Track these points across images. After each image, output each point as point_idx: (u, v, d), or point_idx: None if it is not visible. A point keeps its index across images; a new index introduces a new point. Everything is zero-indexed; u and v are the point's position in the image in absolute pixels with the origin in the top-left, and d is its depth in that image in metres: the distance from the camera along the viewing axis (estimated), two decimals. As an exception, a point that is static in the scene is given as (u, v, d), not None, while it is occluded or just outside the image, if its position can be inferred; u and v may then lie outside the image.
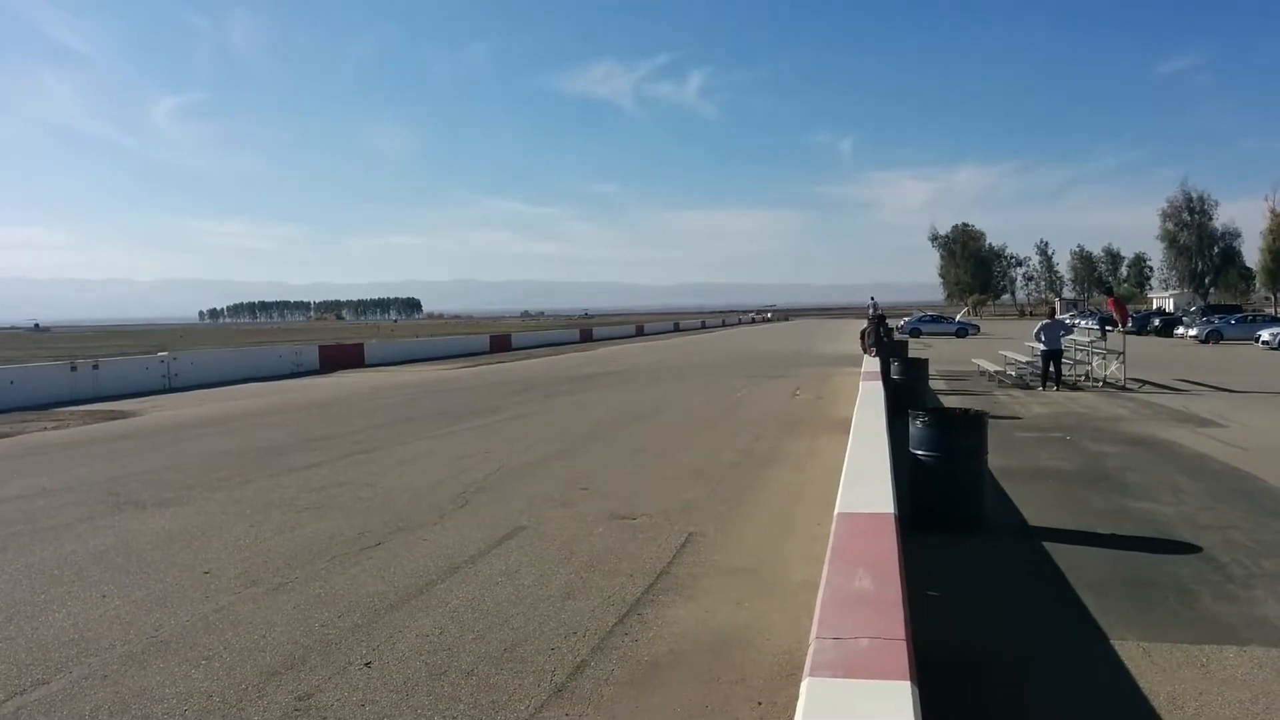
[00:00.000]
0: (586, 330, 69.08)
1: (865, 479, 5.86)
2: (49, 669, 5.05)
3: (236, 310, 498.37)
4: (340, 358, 37.17)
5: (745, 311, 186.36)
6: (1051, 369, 21.05)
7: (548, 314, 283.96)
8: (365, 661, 5.08)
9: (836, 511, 4.98)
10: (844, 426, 13.47)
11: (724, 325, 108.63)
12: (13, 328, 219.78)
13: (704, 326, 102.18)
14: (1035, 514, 8.59)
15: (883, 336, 22.35)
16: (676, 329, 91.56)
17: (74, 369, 25.20)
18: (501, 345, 51.10)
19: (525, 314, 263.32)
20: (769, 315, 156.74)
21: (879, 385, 13.34)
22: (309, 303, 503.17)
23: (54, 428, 17.47)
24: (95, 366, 25.88)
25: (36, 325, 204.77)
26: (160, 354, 30.17)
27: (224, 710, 4.49)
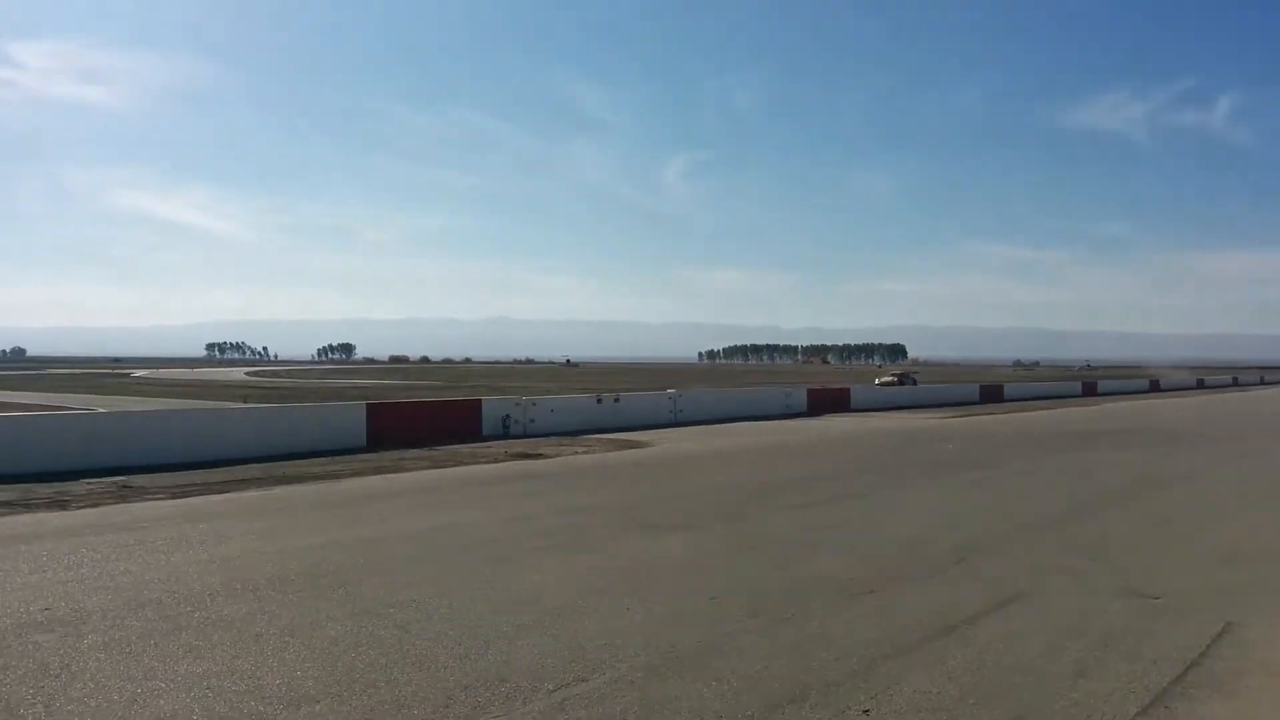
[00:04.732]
0: (1089, 383, 63.46)
1: None
2: (587, 668, 5.75)
3: (730, 352, 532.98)
4: (827, 401, 38.08)
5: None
6: None
7: (1042, 364, 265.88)
8: (864, 709, 5.11)
9: None
10: None
11: (1262, 383, 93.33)
12: (549, 362, 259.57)
13: (1236, 383, 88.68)
14: None
15: None
16: (1200, 385, 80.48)
17: (599, 401, 28.72)
18: (992, 396, 48.83)
19: (1018, 363, 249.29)
20: None
21: None
22: (797, 346, 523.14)
23: (584, 452, 20.02)
24: (616, 400, 29.25)
25: (568, 361, 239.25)
26: (668, 391, 33.27)
27: (733, 732, 4.78)
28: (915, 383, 55.48)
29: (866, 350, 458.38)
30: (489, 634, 6.42)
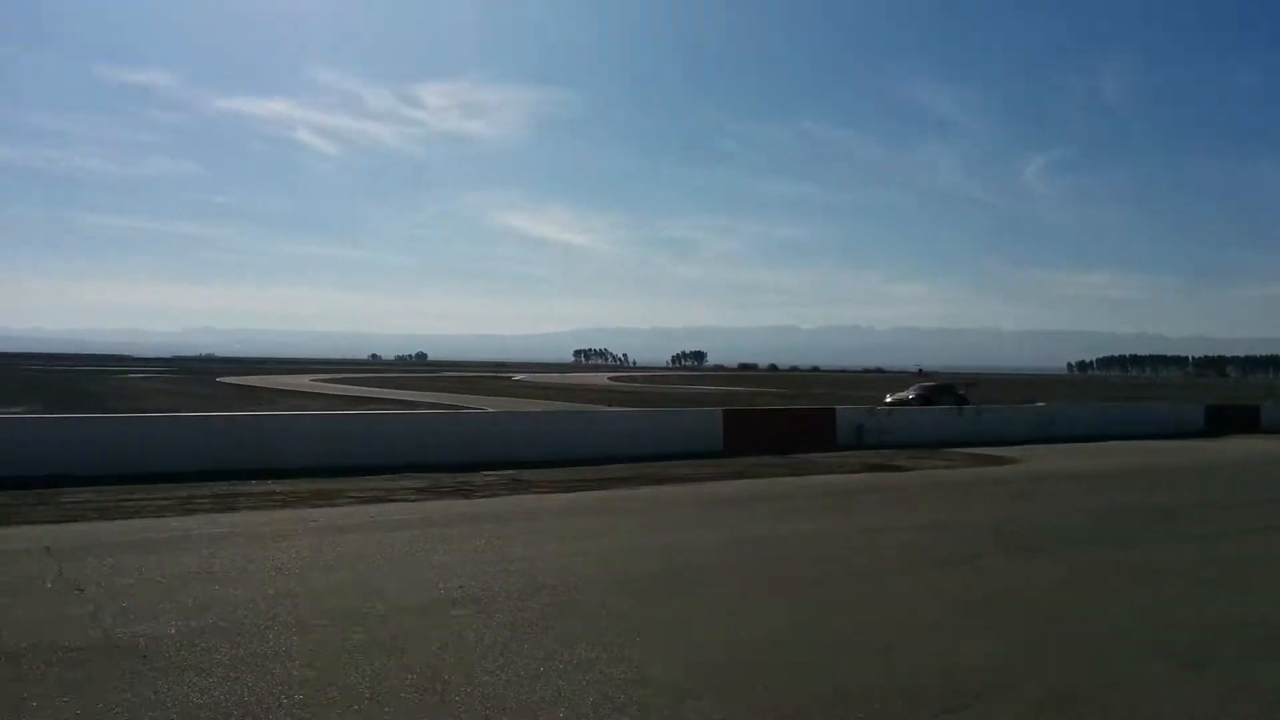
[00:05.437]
0: None
1: None
2: (968, 694, 5.42)
3: (1106, 363, 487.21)
4: (1230, 419, 33.58)
5: None
6: None
7: None
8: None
9: None
10: None
11: None
12: (900, 370, 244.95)
13: None
14: None
15: None
16: None
17: (959, 413, 27.46)
18: None
19: None
20: None
21: None
22: (1186, 357, 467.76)
23: (944, 466, 19.20)
24: (978, 413, 27.83)
25: (920, 369, 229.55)
26: (1037, 404, 31.11)
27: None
28: (966, 400, 34.22)
29: (1275, 362, 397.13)
30: (860, 647, 6.32)
